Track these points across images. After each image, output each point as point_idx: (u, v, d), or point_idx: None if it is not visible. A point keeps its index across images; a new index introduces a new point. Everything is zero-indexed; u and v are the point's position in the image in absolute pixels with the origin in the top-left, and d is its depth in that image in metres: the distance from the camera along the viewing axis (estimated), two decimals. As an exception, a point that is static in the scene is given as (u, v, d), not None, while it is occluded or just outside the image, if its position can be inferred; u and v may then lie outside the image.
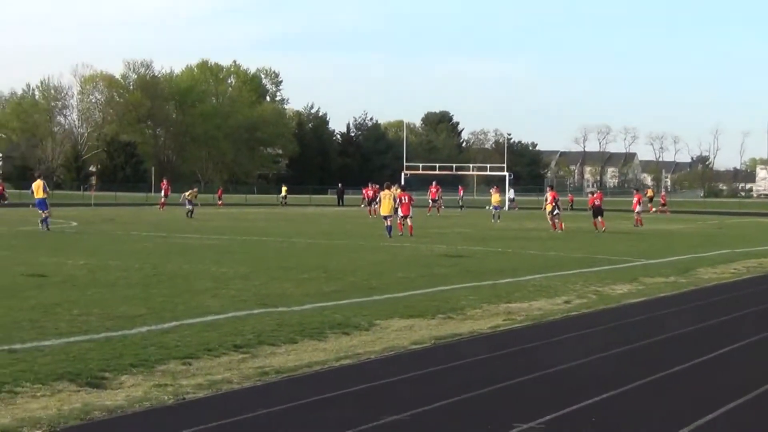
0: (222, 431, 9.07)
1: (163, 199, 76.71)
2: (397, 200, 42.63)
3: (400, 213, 44.59)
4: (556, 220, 50.17)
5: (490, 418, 9.66)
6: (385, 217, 42.69)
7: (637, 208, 60.49)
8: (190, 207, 61.59)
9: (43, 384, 10.81)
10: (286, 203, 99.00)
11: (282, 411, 9.84)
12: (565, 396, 10.68)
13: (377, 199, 52.98)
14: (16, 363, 11.75)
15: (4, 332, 13.89)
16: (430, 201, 79.66)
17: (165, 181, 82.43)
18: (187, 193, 63.40)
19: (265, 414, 9.70)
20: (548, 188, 58.20)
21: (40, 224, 42.02)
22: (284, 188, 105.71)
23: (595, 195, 55.43)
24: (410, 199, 43.85)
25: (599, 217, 51.76)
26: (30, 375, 11.14)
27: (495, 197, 65.60)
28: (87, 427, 9.18)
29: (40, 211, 42.77)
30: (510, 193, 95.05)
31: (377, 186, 70.71)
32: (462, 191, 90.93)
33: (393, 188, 45.56)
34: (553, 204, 51.13)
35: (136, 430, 9.00)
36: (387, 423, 9.40)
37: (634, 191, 70.22)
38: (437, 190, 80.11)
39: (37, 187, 43.83)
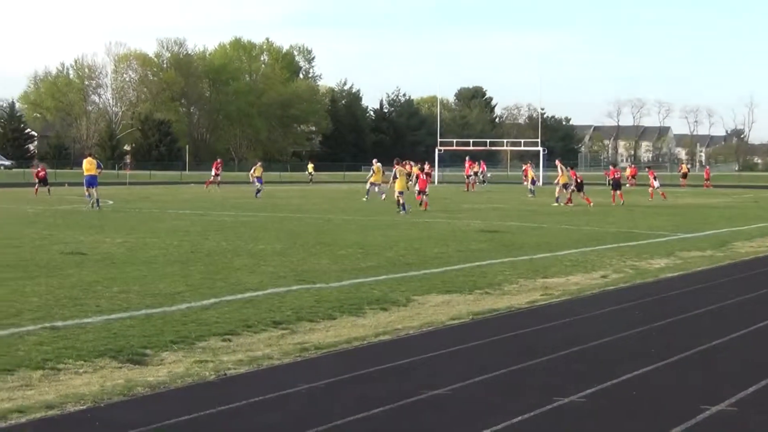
0: (264, 406, 9.13)
1: (211, 178, 76.42)
2: (414, 176, 43.45)
3: (417, 188, 45.75)
4: (568, 195, 50.98)
5: (531, 392, 9.70)
6: (400, 193, 42.92)
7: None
8: (259, 185, 59.08)
9: (86, 361, 10.92)
10: (312, 180, 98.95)
11: (323, 386, 9.90)
12: (605, 370, 10.69)
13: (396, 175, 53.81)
14: (58, 340, 11.87)
15: (46, 310, 14.03)
16: (466, 177, 79.97)
17: (218, 161, 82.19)
18: (253, 171, 62.43)
19: (306, 389, 9.76)
20: (557, 161, 58.76)
21: (89, 203, 42.98)
22: (310, 165, 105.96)
23: (613, 169, 57.28)
24: (428, 176, 44.95)
25: (618, 191, 52.90)
26: (72, 352, 11.25)
27: (530, 173, 66.48)
28: (131, 403, 9.26)
29: (87, 188, 43.50)
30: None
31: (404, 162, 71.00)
32: (484, 166, 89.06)
33: (407, 165, 46.90)
34: (571, 179, 51.90)
35: (180, 406, 9.06)
36: (427, 397, 9.45)
37: (611, 166, 69.46)
38: (471, 165, 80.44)
39: (88, 163, 44.60)
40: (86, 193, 44.10)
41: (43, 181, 58.77)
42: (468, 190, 74.33)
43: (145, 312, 14.04)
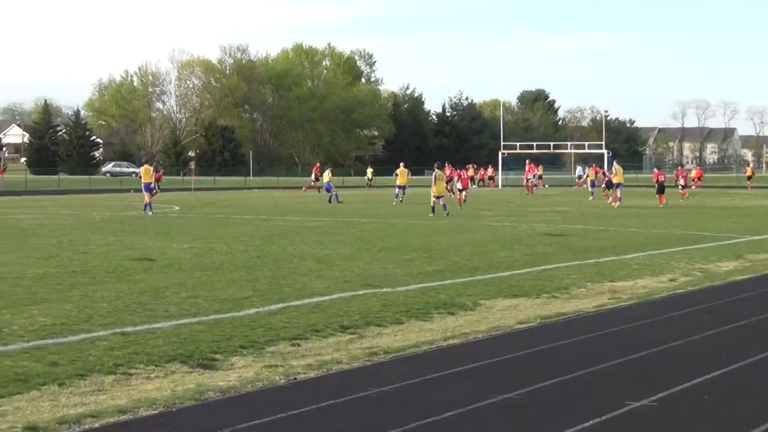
0: (335, 410, 9.15)
1: (312, 183, 77.33)
2: (455, 178, 45.82)
3: (459, 185, 52.95)
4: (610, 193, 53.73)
5: (601, 396, 9.64)
6: (438, 197, 43.15)
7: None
8: (329, 190, 58.79)
9: (156, 366, 10.99)
10: (371, 185, 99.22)
11: (392, 390, 9.90)
12: (676, 374, 10.61)
13: (454, 180, 56.92)
14: (129, 345, 11.96)
15: (116, 316, 14.15)
16: (525, 180, 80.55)
17: (317, 165, 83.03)
18: (324, 175, 62.67)
19: (375, 393, 9.77)
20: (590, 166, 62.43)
21: (144, 209, 43.39)
22: (370, 170, 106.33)
23: (657, 172, 58.14)
24: (471, 176, 50.22)
25: (662, 193, 53.93)
26: (143, 357, 11.33)
27: (591, 174, 67.35)
28: (202, 408, 9.31)
29: (146, 194, 44.41)
30: (578, 170, 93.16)
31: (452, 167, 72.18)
32: (534, 169, 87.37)
33: (470, 168, 52.20)
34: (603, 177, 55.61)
35: (250, 410, 9.09)
36: (497, 402, 9.42)
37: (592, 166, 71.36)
38: (531, 169, 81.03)
39: (145, 171, 45.73)
40: (147, 200, 44.92)
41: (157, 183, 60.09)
42: (530, 193, 74.77)
43: (214, 317, 14.12)
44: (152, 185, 47.00)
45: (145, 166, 47.89)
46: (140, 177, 48.14)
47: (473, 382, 10.37)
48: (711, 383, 10.24)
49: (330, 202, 49.40)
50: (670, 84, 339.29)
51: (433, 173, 45.74)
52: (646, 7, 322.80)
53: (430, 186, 43.63)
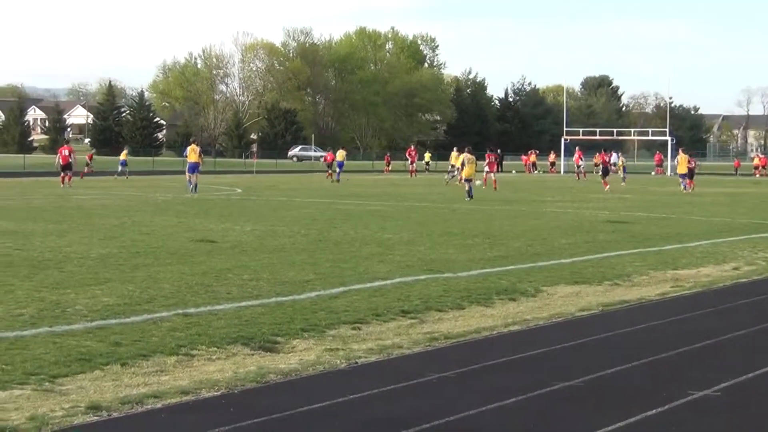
0: (395, 395, 9.15)
1: (410, 166, 79.39)
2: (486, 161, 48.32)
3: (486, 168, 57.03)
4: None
5: (664, 385, 9.56)
6: (467, 180, 44.51)
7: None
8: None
9: (218, 347, 11.04)
10: (429, 169, 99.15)
11: (453, 376, 9.88)
12: (740, 363, 10.51)
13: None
14: (191, 327, 12.03)
15: (179, 297, 14.23)
16: (575, 166, 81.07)
17: (411, 148, 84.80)
18: (338, 154, 64.40)
19: (436, 379, 9.76)
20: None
21: (189, 189, 45.91)
22: (428, 154, 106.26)
23: (689, 158, 58.40)
24: (497, 158, 53.40)
25: (689, 178, 56.30)
26: (205, 338, 11.39)
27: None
28: (264, 390, 9.35)
29: (189, 175, 45.67)
30: (613, 157, 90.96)
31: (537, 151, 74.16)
32: (581, 155, 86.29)
33: (533, 153, 54.85)
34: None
35: (312, 394, 9.11)
36: (558, 389, 9.38)
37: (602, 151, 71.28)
38: (581, 155, 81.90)
39: (192, 150, 46.39)
40: (188, 179, 46.64)
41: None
42: (579, 179, 74.80)
43: (276, 300, 14.16)
44: (199, 166, 47.78)
45: (192, 146, 48.59)
46: (186, 156, 48.62)
47: (535, 368, 10.33)
48: (775, 374, 10.14)
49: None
50: (736, 71, 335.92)
51: (463, 156, 47.11)
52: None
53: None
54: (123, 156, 71.40)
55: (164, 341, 11.19)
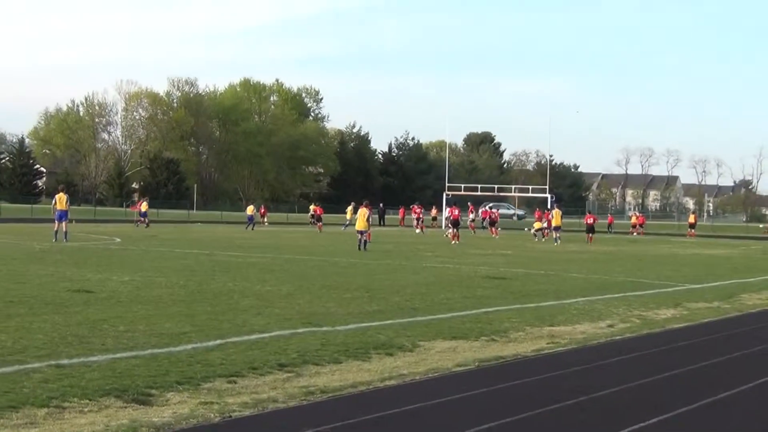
0: (269, 450, 9.10)
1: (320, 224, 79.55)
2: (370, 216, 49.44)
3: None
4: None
5: (536, 441, 9.65)
6: (360, 232, 47.06)
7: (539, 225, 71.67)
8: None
9: (91, 399, 10.87)
10: (314, 223, 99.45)
11: (329, 431, 9.85)
12: (614, 421, 10.64)
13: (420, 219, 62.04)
14: (63, 378, 11.83)
15: (52, 347, 14.00)
16: (469, 220, 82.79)
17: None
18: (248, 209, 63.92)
19: (310, 433, 9.73)
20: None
21: (55, 237, 45.50)
22: (312, 207, 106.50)
23: (588, 215, 70.17)
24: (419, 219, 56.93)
25: (591, 234, 65.43)
26: (77, 390, 11.21)
27: (537, 224, 71.53)
28: (135, 444, 9.23)
29: (57, 223, 46.25)
30: (520, 210, 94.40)
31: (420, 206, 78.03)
32: (472, 209, 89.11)
33: (417, 208, 56.72)
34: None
35: (184, 448, 9.03)
36: (433, 445, 9.40)
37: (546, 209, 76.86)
38: (471, 209, 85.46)
39: (59, 199, 46.50)
40: (55, 228, 46.48)
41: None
42: (474, 232, 76.86)
43: (151, 351, 14.01)
44: (68, 214, 47.44)
45: (60, 194, 47.83)
46: (54, 204, 47.60)
47: (411, 423, 10.35)
48: (649, 430, 10.27)
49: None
50: (615, 131, 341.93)
51: (359, 210, 49.80)
52: (593, 54, 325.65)
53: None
54: None
55: (35, 393, 10.99)
